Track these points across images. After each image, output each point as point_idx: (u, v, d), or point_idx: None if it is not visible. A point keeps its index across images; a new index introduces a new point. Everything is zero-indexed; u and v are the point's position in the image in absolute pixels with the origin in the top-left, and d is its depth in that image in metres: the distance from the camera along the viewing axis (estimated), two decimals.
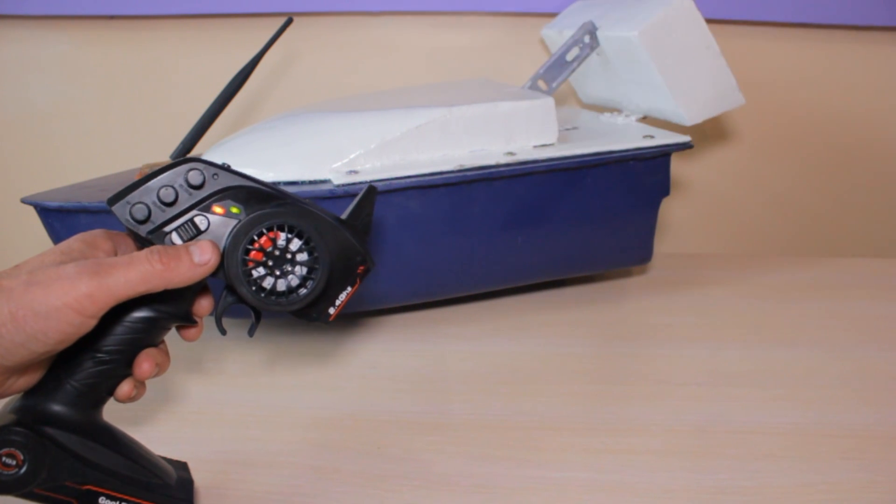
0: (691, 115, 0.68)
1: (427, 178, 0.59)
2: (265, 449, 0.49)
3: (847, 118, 0.88)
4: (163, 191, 0.37)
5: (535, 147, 0.63)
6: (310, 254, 0.39)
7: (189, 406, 0.55)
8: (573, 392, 0.56)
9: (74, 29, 0.84)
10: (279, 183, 0.58)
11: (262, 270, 0.38)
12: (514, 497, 0.45)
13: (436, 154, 0.61)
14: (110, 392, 0.38)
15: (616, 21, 0.68)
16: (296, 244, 0.39)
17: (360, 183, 0.57)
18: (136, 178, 0.62)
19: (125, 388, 0.38)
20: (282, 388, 0.58)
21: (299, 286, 0.39)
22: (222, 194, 0.38)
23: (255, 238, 0.38)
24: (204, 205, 0.38)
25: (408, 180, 0.58)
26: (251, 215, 0.38)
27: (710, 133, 0.89)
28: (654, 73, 0.65)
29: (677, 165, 0.89)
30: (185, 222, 0.38)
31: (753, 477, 0.46)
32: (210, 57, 0.84)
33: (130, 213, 0.37)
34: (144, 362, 0.38)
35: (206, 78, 0.78)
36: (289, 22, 0.66)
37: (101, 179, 0.64)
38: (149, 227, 0.38)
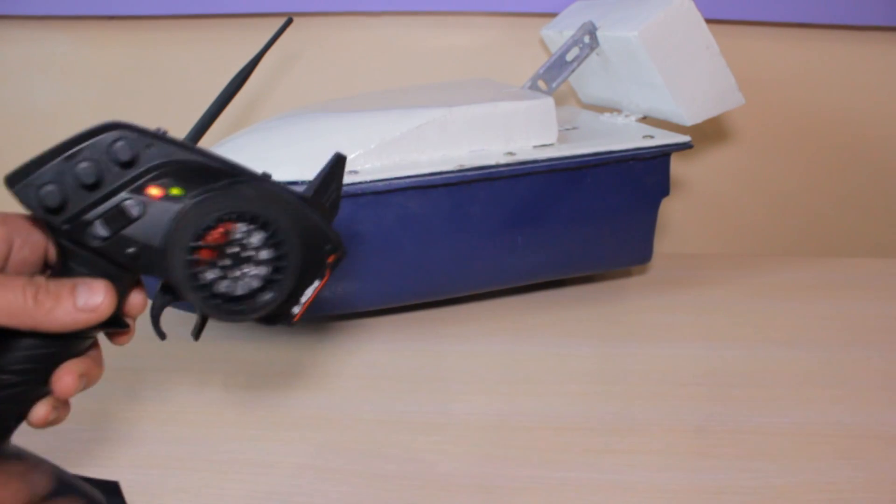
0: (691, 115, 0.68)
1: (427, 178, 0.59)
2: (265, 449, 0.49)
3: (847, 118, 0.88)
4: (81, 168, 0.29)
5: (535, 147, 0.63)
6: (275, 248, 0.31)
7: (188, 406, 0.55)
8: (573, 392, 0.56)
9: (74, 29, 0.84)
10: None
11: (215, 272, 0.31)
12: (514, 497, 0.45)
13: (436, 154, 0.61)
14: (21, 418, 0.32)
15: (616, 21, 0.68)
16: (258, 238, 0.31)
17: (360, 183, 0.57)
18: None
19: (41, 410, 0.32)
20: (281, 387, 0.58)
21: (261, 289, 0.32)
22: (159, 171, 0.30)
23: (204, 232, 0.30)
24: (136, 185, 0.30)
25: (408, 180, 0.58)
26: (198, 199, 0.30)
27: (710, 133, 0.89)
28: (654, 73, 0.65)
29: (677, 165, 0.89)
30: (112, 209, 0.30)
31: (753, 477, 0.46)
32: (210, 57, 0.84)
33: (39, 199, 0.29)
34: (65, 375, 0.32)
35: (206, 78, 0.78)
36: (289, 22, 0.66)
37: None
38: (65, 216, 0.30)
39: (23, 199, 0.29)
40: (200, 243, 0.30)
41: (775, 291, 0.73)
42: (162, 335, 0.35)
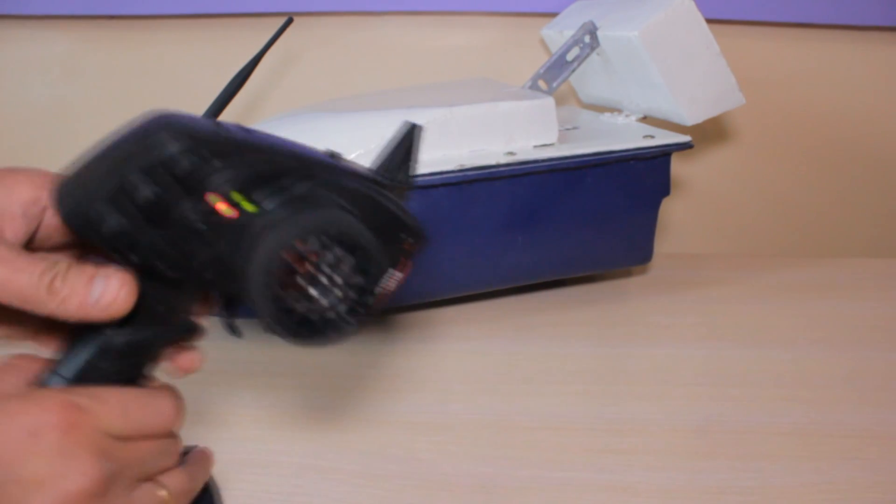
0: (692, 114, 0.68)
1: (427, 178, 0.59)
2: (265, 449, 0.49)
3: (847, 118, 0.88)
4: (143, 198, 0.26)
5: (535, 147, 0.63)
6: (362, 268, 0.28)
7: (188, 406, 0.55)
8: (573, 392, 0.56)
9: (74, 29, 0.84)
10: None
11: (297, 297, 0.27)
12: (514, 497, 0.45)
13: (436, 154, 0.61)
14: None
15: (616, 21, 0.68)
16: (339, 256, 0.28)
17: None
18: None
19: None
20: (282, 387, 0.58)
21: (350, 311, 0.29)
22: (225, 182, 0.27)
23: (286, 255, 0.27)
24: (203, 205, 0.27)
25: None
26: (274, 216, 0.27)
27: (710, 133, 0.89)
28: (654, 73, 0.65)
29: (677, 165, 0.89)
30: (181, 234, 0.27)
31: (753, 477, 0.46)
32: (210, 57, 0.84)
33: (98, 230, 0.26)
34: (185, 355, 0.33)
35: (206, 78, 0.78)
36: (289, 22, 0.66)
37: None
38: (135, 254, 0.27)
39: (80, 229, 0.27)
40: (282, 268, 0.27)
41: (775, 291, 0.73)
42: (237, 333, 0.33)
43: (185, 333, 0.31)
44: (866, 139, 0.89)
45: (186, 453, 0.37)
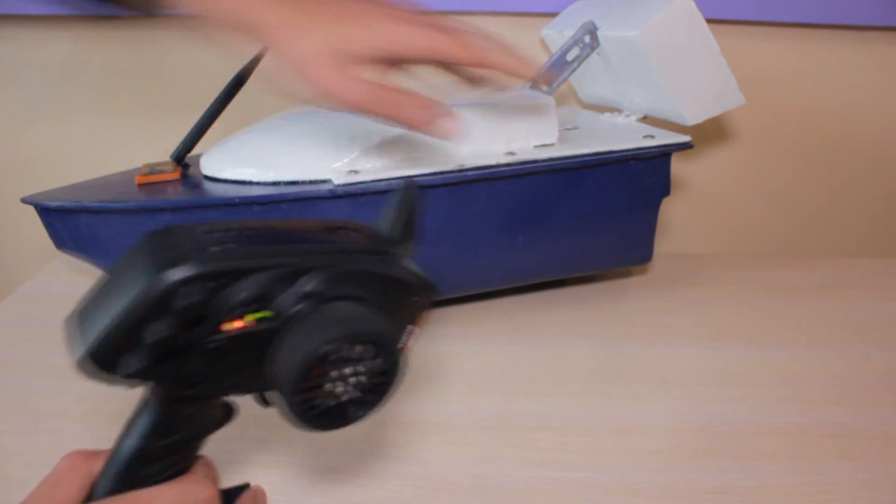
0: (692, 115, 0.68)
1: (427, 177, 0.59)
2: (265, 449, 0.49)
3: (847, 118, 0.88)
4: (151, 332, 0.26)
5: (535, 147, 0.63)
6: (382, 358, 0.28)
7: None
8: (573, 392, 0.56)
9: (74, 29, 0.84)
10: (279, 182, 0.58)
11: (321, 396, 0.28)
12: (514, 497, 0.45)
13: (436, 154, 0.61)
14: None
15: (616, 21, 0.68)
16: (367, 352, 0.28)
17: (360, 182, 0.57)
18: (136, 180, 0.62)
19: None
20: None
21: (367, 391, 0.29)
22: (230, 299, 0.27)
23: (311, 366, 0.27)
24: (216, 331, 0.27)
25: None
26: (291, 327, 0.28)
27: (710, 133, 0.89)
28: (654, 73, 0.65)
29: (677, 165, 0.89)
30: (199, 362, 0.28)
31: (753, 477, 0.46)
32: (210, 56, 0.84)
33: (119, 370, 0.26)
34: None
35: (206, 77, 0.78)
36: None
37: (100, 179, 0.64)
38: (160, 389, 0.29)
39: (109, 372, 0.27)
40: (306, 380, 0.27)
41: (775, 291, 0.73)
42: (269, 405, 0.33)
43: (221, 422, 0.32)
44: (866, 139, 0.89)
45: (237, 492, 0.36)
